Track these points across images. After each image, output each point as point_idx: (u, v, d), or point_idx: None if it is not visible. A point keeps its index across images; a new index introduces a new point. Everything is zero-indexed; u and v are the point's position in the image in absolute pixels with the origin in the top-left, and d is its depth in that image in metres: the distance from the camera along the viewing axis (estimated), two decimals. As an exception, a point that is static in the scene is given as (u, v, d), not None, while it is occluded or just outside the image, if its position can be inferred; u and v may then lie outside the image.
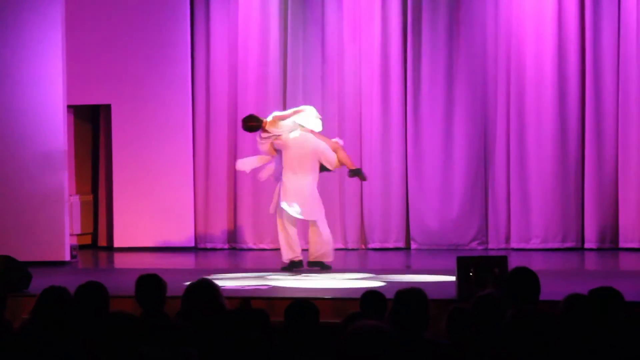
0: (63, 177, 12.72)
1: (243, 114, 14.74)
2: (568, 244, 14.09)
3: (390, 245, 14.54)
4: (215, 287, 6.08)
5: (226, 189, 14.89)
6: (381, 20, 14.57)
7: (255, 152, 14.77)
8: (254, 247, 14.72)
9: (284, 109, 14.70)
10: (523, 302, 5.48)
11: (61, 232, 12.64)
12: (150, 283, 6.12)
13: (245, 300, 6.28)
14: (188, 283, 6.20)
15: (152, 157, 14.62)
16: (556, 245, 14.09)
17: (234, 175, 14.84)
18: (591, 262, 13.16)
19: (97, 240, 15.32)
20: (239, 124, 14.81)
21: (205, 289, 6.04)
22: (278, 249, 14.57)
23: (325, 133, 14.52)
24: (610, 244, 13.98)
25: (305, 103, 14.63)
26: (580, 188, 14.14)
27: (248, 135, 14.74)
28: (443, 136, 14.42)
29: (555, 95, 14.11)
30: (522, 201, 14.23)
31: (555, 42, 14.12)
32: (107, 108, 14.94)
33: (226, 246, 14.85)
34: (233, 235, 14.90)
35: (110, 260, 13.96)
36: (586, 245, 14.01)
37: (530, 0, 14.21)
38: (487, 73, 14.36)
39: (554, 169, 14.14)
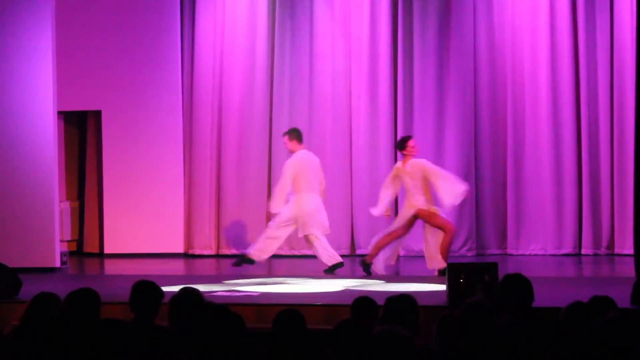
0: (53, 184, 12.68)
1: (228, 118, 14.78)
2: (565, 250, 14.12)
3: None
4: (199, 295, 6.08)
5: (215, 196, 14.87)
6: (370, 21, 14.57)
7: (243, 157, 14.84)
8: (238, 253, 14.70)
9: (270, 112, 14.74)
10: (516, 309, 5.49)
11: (51, 238, 12.60)
12: (145, 290, 6.07)
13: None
14: (174, 292, 6.18)
15: (143, 163, 14.60)
16: (553, 251, 14.12)
17: (219, 181, 14.85)
18: (588, 268, 13.17)
19: (82, 247, 15.27)
20: (224, 130, 14.84)
21: (189, 298, 6.03)
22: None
23: (314, 136, 14.60)
24: (607, 250, 14.03)
25: (292, 105, 14.67)
26: (577, 194, 14.18)
27: (234, 142, 14.77)
28: (433, 141, 14.42)
29: (550, 100, 14.16)
30: (517, 207, 14.26)
31: (548, 48, 14.18)
32: (96, 114, 14.91)
33: (215, 253, 14.83)
34: (222, 242, 14.88)
35: (101, 267, 13.93)
36: (583, 252, 14.05)
37: (522, 5, 14.29)
38: (480, 77, 14.38)
39: (550, 175, 14.18)
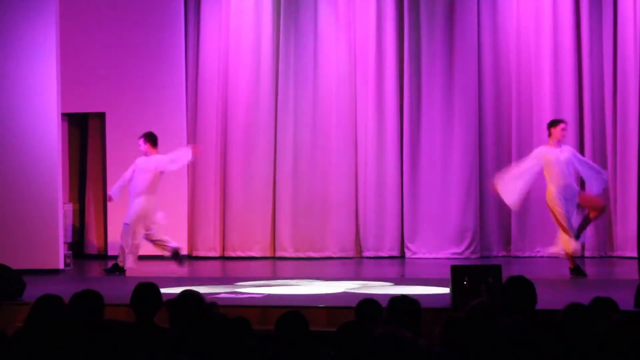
0: (57, 186, 12.70)
1: (233, 119, 14.79)
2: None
3: (385, 254, 14.54)
4: (200, 297, 6.08)
5: (219, 198, 14.87)
6: (375, 24, 14.58)
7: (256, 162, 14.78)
8: (243, 255, 14.72)
9: (275, 114, 14.73)
10: (518, 311, 5.48)
11: (55, 240, 12.62)
12: (146, 291, 6.08)
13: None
14: (176, 294, 6.18)
15: (147, 165, 14.60)
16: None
17: (224, 183, 14.85)
18: (591, 270, 13.16)
19: (83, 249, 15.27)
20: (229, 131, 14.85)
21: (189, 300, 6.04)
22: (268, 258, 14.61)
23: (318, 137, 14.58)
24: (609, 253, 14.01)
25: (296, 107, 14.68)
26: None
27: (238, 143, 14.77)
28: (439, 144, 14.43)
29: (553, 102, 14.17)
30: (521, 209, 14.22)
31: (552, 50, 14.20)
32: (99, 115, 14.91)
33: (220, 254, 14.83)
34: (227, 243, 14.88)
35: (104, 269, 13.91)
36: (587, 254, 14.03)
37: (527, 8, 14.30)
38: (485, 80, 14.40)
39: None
